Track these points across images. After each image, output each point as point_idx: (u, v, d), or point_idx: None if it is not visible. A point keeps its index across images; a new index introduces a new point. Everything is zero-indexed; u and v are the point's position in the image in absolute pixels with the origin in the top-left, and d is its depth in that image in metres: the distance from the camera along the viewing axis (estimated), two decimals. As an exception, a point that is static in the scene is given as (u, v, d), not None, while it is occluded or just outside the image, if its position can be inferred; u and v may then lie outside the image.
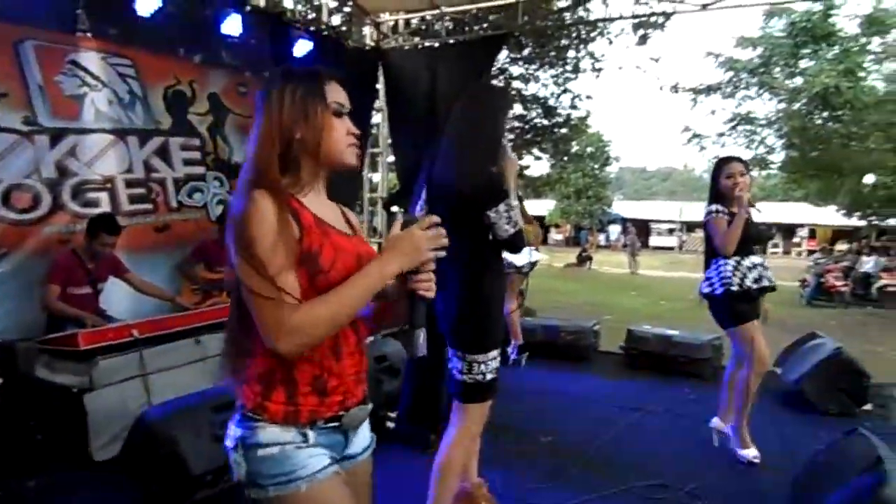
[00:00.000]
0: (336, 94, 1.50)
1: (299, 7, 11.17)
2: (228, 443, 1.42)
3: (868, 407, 4.59)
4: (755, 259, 3.63)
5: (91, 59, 4.61)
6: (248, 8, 5.56)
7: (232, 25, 5.11)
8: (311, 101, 1.45)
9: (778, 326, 6.26)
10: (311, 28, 6.38)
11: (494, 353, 2.44)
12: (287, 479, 1.38)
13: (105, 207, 4.69)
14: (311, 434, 1.41)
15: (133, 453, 2.92)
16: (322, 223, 1.43)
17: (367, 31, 7.15)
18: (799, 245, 37.39)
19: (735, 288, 3.55)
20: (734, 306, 3.59)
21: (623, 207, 42.37)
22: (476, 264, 2.38)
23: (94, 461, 3.31)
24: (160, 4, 4.55)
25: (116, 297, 4.45)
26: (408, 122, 6.49)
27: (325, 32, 6.64)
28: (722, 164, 3.75)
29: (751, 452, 3.68)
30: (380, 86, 7.13)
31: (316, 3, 9.22)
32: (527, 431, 4.10)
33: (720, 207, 3.65)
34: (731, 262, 3.58)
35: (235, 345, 1.44)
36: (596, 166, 35.10)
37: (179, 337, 3.88)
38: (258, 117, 1.44)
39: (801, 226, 37.24)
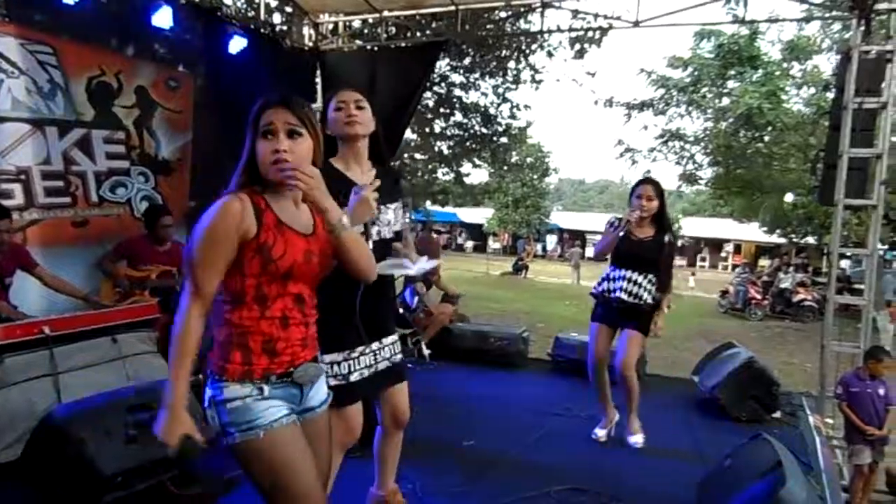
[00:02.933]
0: (269, 116, 1.74)
1: (238, 4, 10.97)
2: (205, 403, 1.75)
3: (778, 414, 4.83)
4: (625, 273, 3.99)
5: (9, 46, 4.40)
6: (182, 1, 5.45)
7: (163, 18, 4.99)
8: (251, 129, 1.76)
9: (701, 336, 6.53)
10: (250, 26, 6.29)
11: (331, 356, 2.34)
12: (248, 426, 1.69)
13: (18, 199, 4.48)
14: (266, 388, 1.72)
15: (36, 454, 2.79)
16: (280, 223, 1.75)
17: (307, 31, 7.09)
18: (725, 259, 38.91)
19: (594, 291, 4.18)
20: (594, 308, 4.21)
21: (561, 218, 43.11)
22: None
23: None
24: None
25: (29, 293, 4.24)
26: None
27: (263, 30, 6.55)
28: (638, 183, 4.09)
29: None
30: (318, 87, 7.08)
31: (255, 1, 9.06)
32: (448, 436, 4.10)
33: (613, 219, 4.03)
34: (607, 269, 4.10)
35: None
36: (535, 177, 35.61)
37: (96, 335, 3.73)
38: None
39: (728, 241, 38.77)
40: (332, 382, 2.30)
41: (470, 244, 40.49)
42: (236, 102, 5.45)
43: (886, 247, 18.47)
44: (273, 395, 1.73)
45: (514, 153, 32.39)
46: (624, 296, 3.97)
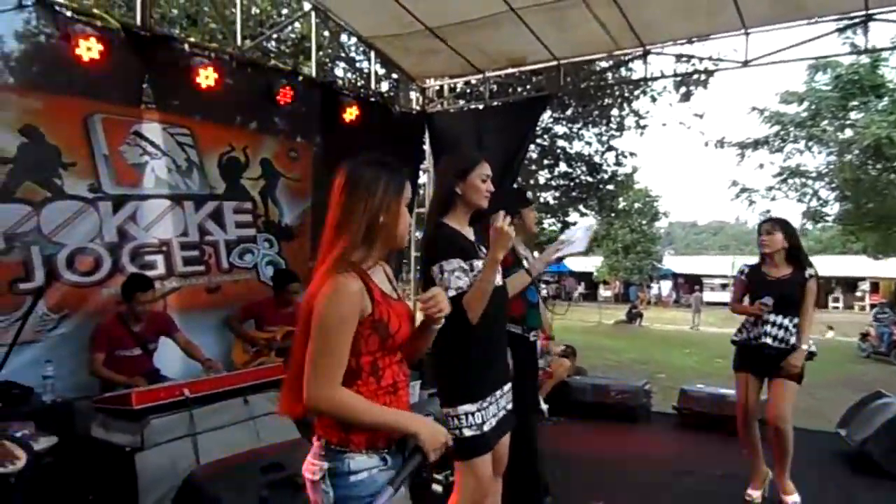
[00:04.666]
0: (408, 191, 1.79)
1: (349, 76, 11.62)
2: (314, 476, 1.66)
3: (941, 471, 4.31)
4: (768, 317, 3.78)
5: (153, 130, 4.87)
6: (301, 78, 5.85)
7: (284, 95, 5.36)
8: (397, 194, 1.75)
9: (841, 384, 6.02)
10: (360, 94, 6.63)
11: (466, 407, 2.36)
12: (373, 499, 1.61)
13: (160, 269, 4.88)
14: (388, 458, 1.69)
15: (181, 513, 2.94)
16: (385, 295, 1.73)
17: (414, 96, 7.39)
18: (861, 299, 35.92)
19: (735, 338, 4.04)
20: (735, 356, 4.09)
21: (674, 262, 41.63)
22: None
23: (143, 521, 3.34)
24: (217, 77, 4.83)
25: (170, 357, 4.56)
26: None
27: (372, 98, 6.88)
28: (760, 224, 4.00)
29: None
30: (427, 147, 7.33)
31: (365, 72, 9.57)
32: (575, 495, 3.96)
33: (744, 266, 4.05)
34: None
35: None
36: (644, 222, 34.74)
37: (228, 396, 3.93)
38: (346, 195, 1.71)
39: (863, 279, 35.85)
40: (468, 433, 2.34)
41: (577, 293, 39.72)
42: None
43: None
44: (392, 466, 1.69)
45: (621, 199, 32.01)
46: (770, 341, 3.73)
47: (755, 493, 3.91)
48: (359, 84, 10.03)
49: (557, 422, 5.73)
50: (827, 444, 5.00)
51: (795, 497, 3.79)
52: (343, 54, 11.65)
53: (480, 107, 7.41)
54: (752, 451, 3.95)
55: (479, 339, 2.43)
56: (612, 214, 28.81)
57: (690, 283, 37.17)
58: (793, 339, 3.69)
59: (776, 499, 3.84)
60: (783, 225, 3.86)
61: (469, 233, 2.59)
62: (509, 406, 2.59)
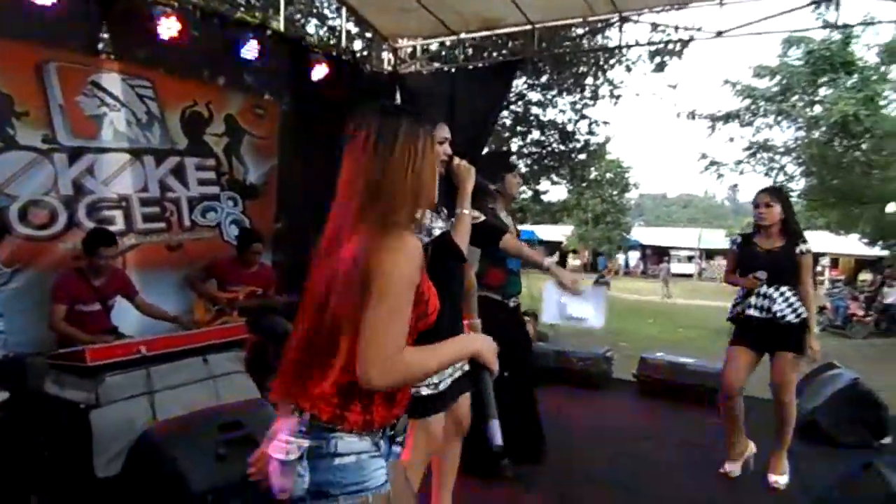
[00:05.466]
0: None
1: (320, 33, 11.37)
2: (288, 455, 1.46)
3: (887, 440, 4.45)
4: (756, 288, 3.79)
5: (112, 81, 4.70)
6: (269, 33, 5.68)
7: (251, 50, 5.20)
8: (432, 149, 1.56)
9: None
10: (332, 53, 6.48)
11: None
12: (358, 488, 1.45)
13: (119, 225, 4.75)
14: (381, 443, 1.51)
15: (134, 471, 2.91)
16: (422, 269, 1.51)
17: (386, 56, 7.24)
18: (821, 274, 36.81)
19: (730, 315, 3.98)
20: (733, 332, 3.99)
21: (642, 234, 42.11)
22: None
23: (97, 478, 3.30)
24: (180, 28, 4.65)
25: (128, 314, 4.48)
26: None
27: (344, 57, 6.73)
28: (756, 194, 3.87)
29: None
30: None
31: (337, 30, 9.35)
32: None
33: (737, 236, 4.04)
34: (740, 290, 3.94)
35: (308, 361, 1.50)
36: (615, 192, 35.00)
37: (188, 355, 3.88)
38: (382, 149, 1.49)
39: (824, 254, 36.69)
40: (425, 392, 2.35)
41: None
42: (319, 127, 5.69)
43: None
44: (384, 453, 1.53)
45: (592, 169, 32.14)
46: (754, 312, 3.72)
47: (732, 467, 3.88)
48: (331, 42, 9.81)
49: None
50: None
51: (784, 478, 3.77)
52: (315, 10, 11.39)
53: (453, 69, 7.30)
54: (733, 424, 3.87)
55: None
56: (584, 184, 29.04)
57: (658, 255, 37.76)
58: (780, 310, 3.66)
59: (754, 474, 3.85)
60: (781, 197, 3.84)
61: None
62: (465, 367, 2.59)
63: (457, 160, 2.56)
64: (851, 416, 4.43)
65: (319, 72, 5.87)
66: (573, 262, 38.03)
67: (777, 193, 3.88)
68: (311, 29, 11.59)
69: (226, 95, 5.49)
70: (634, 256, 41.05)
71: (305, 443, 1.45)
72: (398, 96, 7.14)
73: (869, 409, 4.45)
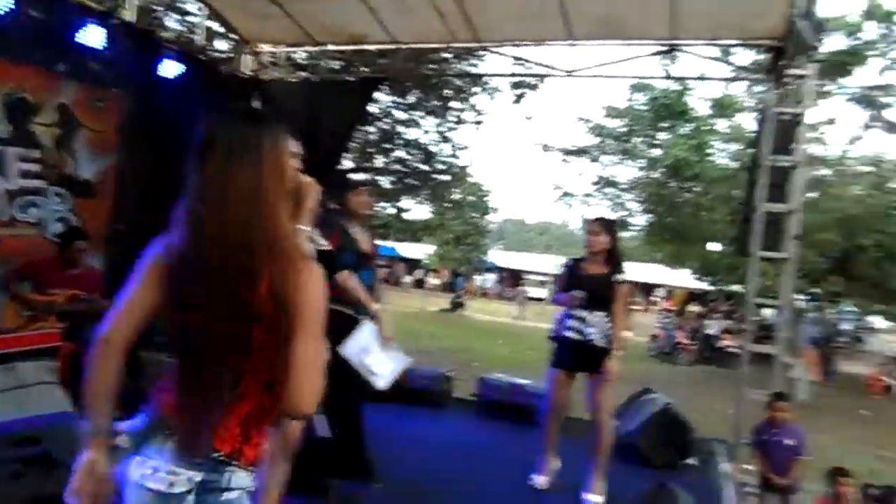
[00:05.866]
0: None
1: (181, 28, 10.83)
2: (172, 488, 1.36)
3: (692, 461, 4.87)
4: (576, 311, 4.00)
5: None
6: (116, 21, 5.32)
7: (91, 36, 4.84)
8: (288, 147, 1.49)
9: (630, 380, 6.62)
10: (186, 51, 6.18)
11: None
12: None
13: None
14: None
15: None
16: None
17: (246, 59, 7.01)
18: (656, 304, 39.88)
19: (552, 334, 4.16)
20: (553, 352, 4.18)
21: (499, 256, 43.55)
22: None
23: None
24: (10, 7, 4.25)
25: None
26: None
27: (200, 56, 6.45)
28: (587, 221, 4.28)
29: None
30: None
31: (196, 28, 8.96)
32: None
33: (570, 260, 4.19)
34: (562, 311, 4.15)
35: (204, 388, 1.40)
36: (476, 215, 36.00)
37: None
38: (249, 158, 1.40)
39: (661, 286, 39.82)
40: None
41: (409, 279, 40.41)
42: (166, 126, 5.39)
43: (808, 297, 19.33)
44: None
45: (456, 191, 32.90)
46: (570, 334, 3.94)
47: (542, 479, 4.09)
48: (193, 41, 9.37)
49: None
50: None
51: (600, 498, 3.95)
52: (176, 4, 10.85)
53: (318, 80, 7.23)
54: (549, 442, 4.13)
55: None
56: (446, 205, 29.63)
57: (514, 278, 39.18)
58: (593, 334, 3.90)
59: (566, 489, 4.05)
60: (609, 227, 4.11)
61: None
62: None
63: (300, 176, 2.52)
64: (664, 438, 4.80)
65: (170, 68, 5.59)
66: (433, 280, 38.69)
67: (606, 224, 4.15)
68: (173, 24, 11.02)
69: (61, 83, 5.06)
70: (491, 279, 42.35)
71: (199, 476, 1.37)
72: (257, 102, 6.94)
73: (678, 431, 4.84)
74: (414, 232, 27.50)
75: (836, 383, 17.13)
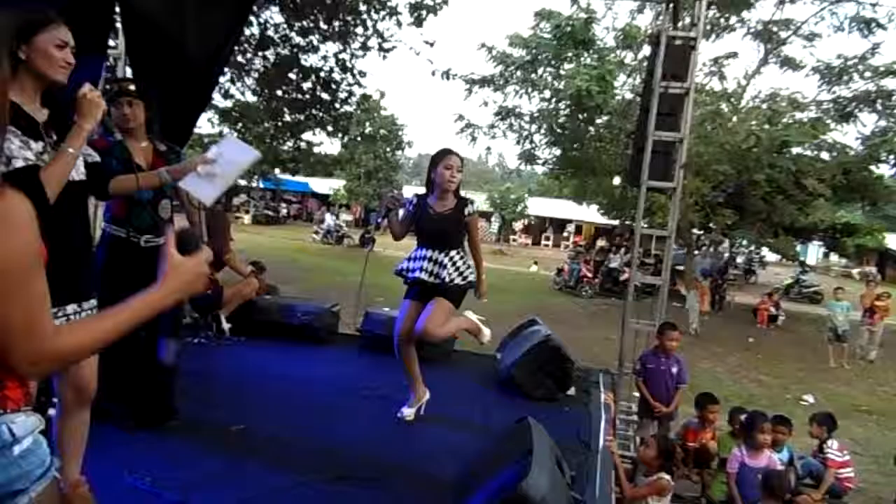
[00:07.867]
0: None
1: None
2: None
3: (572, 392, 4.80)
4: (427, 252, 3.82)
5: None
6: None
7: None
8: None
9: (534, 312, 6.54)
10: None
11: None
12: (43, 469, 1.20)
13: None
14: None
15: None
16: None
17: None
18: (567, 239, 40.87)
19: (396, 269, 4.00)
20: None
21: (412, 192, 43.21)
22: None
23: None
24: None
25: None
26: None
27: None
28: (445, 153, 3.89)
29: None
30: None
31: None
32: (217, 420, 3.63)
33: (413, 196, 4.05)
34: (413, 249, 3.99)
35: None
36: (388, 149, 35.21)
37: None
38: None
39: (571, 221, 40.69)
40: None
41: (317, 215, 39.52)
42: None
43: (702, 231, 20.09)
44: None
45: (367, 124, 31.96)
46: (425, 276, 3.75)
47: (409, 412, 3.99)
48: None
49: (239, 341, 5.48)
50: (489, 367, 5.30)
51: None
52: None
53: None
54: (408, 372, 4.01)
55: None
56: (357, 139, 28.82)
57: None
58: (447, 275, 3.72)
59: (430, 420, 3.99)
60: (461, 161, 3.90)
61: (39, 113, 2.07)
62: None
63: (87, 88, 2.14)
64: (542, 369, 4.68)
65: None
66: (345, 216, 38.03)
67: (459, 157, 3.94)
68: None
69: None
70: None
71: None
72: (117, 10, 6.18)
73: (556, 363, 4.71)
74: (325, 166, 26.48)
75: (727, 313, 18.10)
